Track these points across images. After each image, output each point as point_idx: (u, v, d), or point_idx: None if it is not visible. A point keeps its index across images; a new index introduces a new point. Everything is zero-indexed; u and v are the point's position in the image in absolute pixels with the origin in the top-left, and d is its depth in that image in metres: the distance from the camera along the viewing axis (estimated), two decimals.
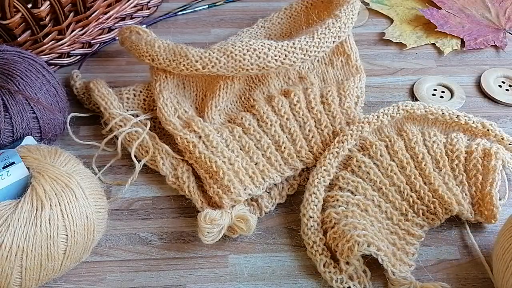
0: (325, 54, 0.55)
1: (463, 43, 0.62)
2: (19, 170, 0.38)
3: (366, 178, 0.45)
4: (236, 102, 0.52)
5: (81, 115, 0.51)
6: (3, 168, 0.38)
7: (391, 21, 0.65)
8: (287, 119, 0.48)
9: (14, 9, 0.47)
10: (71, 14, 0.54)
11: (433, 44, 0.62)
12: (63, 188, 0.37)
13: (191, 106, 0.50)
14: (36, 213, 0.36)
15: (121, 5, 0.59)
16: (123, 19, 0.61)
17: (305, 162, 0.47)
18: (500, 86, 0.57)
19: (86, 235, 0.38)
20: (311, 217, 0.43)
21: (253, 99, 0.51)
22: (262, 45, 0.47)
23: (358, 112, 0.51)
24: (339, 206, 0.43)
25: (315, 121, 0.49)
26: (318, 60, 0.56)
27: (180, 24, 0.63)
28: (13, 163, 0.38)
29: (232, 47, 0.47)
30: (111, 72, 0.57)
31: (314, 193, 0.44)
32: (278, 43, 0.48)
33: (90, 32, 0.57)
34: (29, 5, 0.48)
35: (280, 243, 0.44)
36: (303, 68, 0.54)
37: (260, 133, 0.47)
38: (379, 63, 0.59)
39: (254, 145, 0.47)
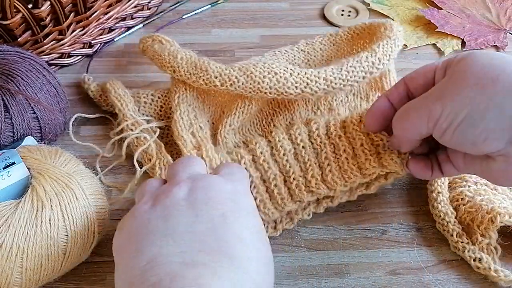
0: (362, 88, 0.52)
1: (463, 43, 0.62)
2: (19, 171, 0.38)
3: None
4: (257, 124, 0.50)
5: (87, 116, 0.51)
6: (4, 168, 0.38)
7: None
8: (303, 147, 0.45)
9: (14, 10, 0.47)
10: (72, 14, 0.54)
11: (434, 45, 0.62)
12: (64, 188, 0.38)
13: (208, 121, 0.49)
14: (36, 213, 0.36)
15: (122, 5, 0.59)
16: (123, 19, 0.61)
17: (315, 193, 0.43)
18: None
19: (87, 235, 0.38)
20: (440, 193, 0.45)
21: (274, 125, 0.49)
22: (284, 70, 0.45)
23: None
24: (469, 186, 0.45)
25: (333, 146, 0.44)
26: (353, 94, 0.52)
27: (181, 25, 0.63)
28: (14, 163, 0.38)
29: (253, 68, 0.45)
30: (111, 72, 0.57)
31: None
32: (302, 70, 0.46)
33: (91, 32, 0.57)
34: (30, 6, 0.48)
35: (280, 243, 0.44)
36: (335, 99, 0.51)
37: (269, 164, 0.44)
38: None
39: (260, 177, 0.44)
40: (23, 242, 0.35)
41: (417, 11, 0.66)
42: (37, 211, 0.36)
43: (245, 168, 0.43)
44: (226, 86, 0.45)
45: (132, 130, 0.48)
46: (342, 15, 0.66)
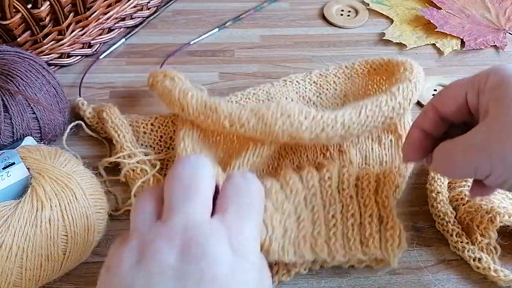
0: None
1: (463, 43, 0.62)
2: (19, 171, 0.38)
3: None
4: (263, 171, 0.47)
5: (87, 131, 0.50)
6: (3, 168, 0.38)
7: (391, 21, 0.65)
8: (313, 194, 0.42)
9: (14, 10, 0.47)
10: (71, 14, 0.53)
11: (433, 45, 0.62)
12: (63, 188, 0.38)
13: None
14: (36, 213, 0.36)
15: (121, 6, 0.59)
16: (123, 19, 0.61)
17: (316, 254, 0.39)
18: None
19: (86, 235, 0.38)
20: (439, 192, 0.45)
21: (281, 169, 0.45)
22: (299, 112, 0.42)
23: (393, 202, 0.43)
24: (469, 186, 0.44)
25: (342, 205, 0.42)
26: (365, 136, 0.49)
27: (181, 25, 0.63)
28: (13, 163, 0.38)
29: (266, 110, 0.42)
30: (110, 73, 0.57)
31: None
32: (318, 112, 0.43)
33: (90, 32, 0.57)
34: (29, 6, 0.48)
35: None
36: (347, 143, 0.48)
37: (279, 197, 0.40)
38: None
39: (272, 205, 0.40)
40: (23, 242, 0.35)
41: (416, 11, 0.66)
42: (36, 211, 0.36)
43: None
44: (236, 127, 0.43)
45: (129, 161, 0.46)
46: (341, 15, 0.66)
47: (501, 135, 0.32)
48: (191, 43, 0.59)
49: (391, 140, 0.48)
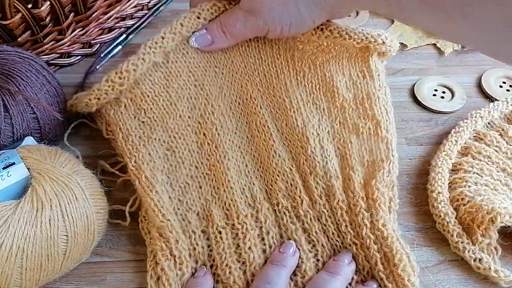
0: (348, 115, 0.47)
1: None
2: (19, 171, 0.38)
3: (489, 161, 0.47)
4: (261, 188, 0.45)
5: (91, 124, 0.50)
6: (3, 168, 0.38)
7: (392, 21, 0.65)
8: (315, 232, 0.42)
9: (14, 10, 0.47)
10: (72, 14, 0.54)
11: (434, 44, 0.62)
12: (63, 188, 0.37)
13: (187, 183, 0.44)
14: (36, 213, 0.36)
15: (122, 5, 0.59)
16: (123, 19, 0.61)
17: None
18: (501, 86, 0.57)
19: (86, 235, 0.38)
20: (440, 193, 0.45)
21: (276, 180, 0.44)
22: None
23: (393, 224, 0.42)
24: (470, 186, 0.45)
25: (342, 240, 0.42)
26: (340, 122, 0.47)
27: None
28: (13, 163, 0.38)
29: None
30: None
31: (440, 173, 0.46)
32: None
33: (91, 32, 0.57)
34: (30, 6, 0.48)
35: None
36: (323, 134, 0.46)
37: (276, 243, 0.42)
38: None
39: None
40: (23, 243, 0.35)
41: None
42: (37, 211, 0.36)
43: (250, 248, 0.41)
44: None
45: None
46: None
47: None
48: (97, 67, 0.58)
49: (369, 128, 0.46)
